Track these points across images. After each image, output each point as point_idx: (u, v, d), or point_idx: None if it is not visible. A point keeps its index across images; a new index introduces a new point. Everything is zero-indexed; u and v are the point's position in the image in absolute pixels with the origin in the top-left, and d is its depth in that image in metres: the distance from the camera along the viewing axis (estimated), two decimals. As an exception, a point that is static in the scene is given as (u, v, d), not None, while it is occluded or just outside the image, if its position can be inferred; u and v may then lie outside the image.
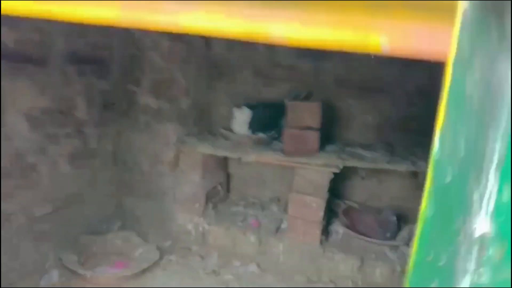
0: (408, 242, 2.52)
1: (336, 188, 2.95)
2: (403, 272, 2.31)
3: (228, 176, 3.20)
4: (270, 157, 2.48)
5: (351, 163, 2.33)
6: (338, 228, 2.65)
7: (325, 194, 2.41)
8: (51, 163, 2.23)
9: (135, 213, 2.83)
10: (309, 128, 2.44)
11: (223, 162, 3.09)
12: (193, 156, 2.69)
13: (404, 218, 2.76)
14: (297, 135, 2.45)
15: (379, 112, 2.87)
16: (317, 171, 2.39)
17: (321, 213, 2.41)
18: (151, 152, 2.72)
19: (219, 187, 3.02)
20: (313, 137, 2.44)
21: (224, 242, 2.67)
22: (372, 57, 2.78)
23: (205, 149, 2.64)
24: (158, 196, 2.77)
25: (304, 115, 2.43)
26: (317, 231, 2.45)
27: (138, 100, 2.69)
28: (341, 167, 2.33)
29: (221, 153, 2.60)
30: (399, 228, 2.62)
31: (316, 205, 2.41)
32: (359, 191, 2.96)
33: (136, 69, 2.66)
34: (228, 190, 3.21)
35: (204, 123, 3.00)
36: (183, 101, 2.69)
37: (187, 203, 2.75)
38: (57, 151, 2.26)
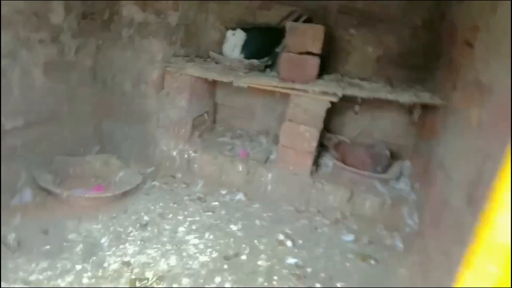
0: (399, 177, 2.48)
1: (328, 122, 2.85)
2: (392, 205, 2.28)
3: (215, 106, 3.04)
4: (265, 82, 2.32)
5: (350, 91, 2.20)
6: (329, 161, 2.58)
7: (320, 124, 2.30)
8: (23, 71, 2.00)
9: (115, 137, 2.65)
10: (309, 53, 2.27)
11: (211, 90, 2.91)
12: (180, 78, 2.50)
13: (395, 155, 2.71)
14: (296, 59, 2.28)
15: (381, 44, 2.72)
16: (314, 99, 2.26)
17: (314, 143, 2.32)
18: (134, 70, 2.50)
19: (206, 116, 2.86)
20: (313, 63, 2.28)
21: (211, 171, 2.56)
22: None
23: (193, 71, 2.44)
24: (140, 120, 2.59)
25: (305, 39, 2.25)
26: (308, 162, 2.37)
27: (121, 11, 2.42)
28: (340, 95, 2.21)
29: (211, 76, 2.42)
30: (390, 164, 2.57)
31: (310, 135, 2.30)
32: (351, 127, 2.88)
33: (120, -25, 2.37)
34: (214, 120, 3.07)
35: (193, 44, 2.78)
36: (171, 16, 2.45)
37: (172, 128, 2.59)
38: (30, 58, 2.02)
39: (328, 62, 2.71)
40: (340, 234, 2.16)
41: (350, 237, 2.13)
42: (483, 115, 1.49)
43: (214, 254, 1.88)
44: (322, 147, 2.71)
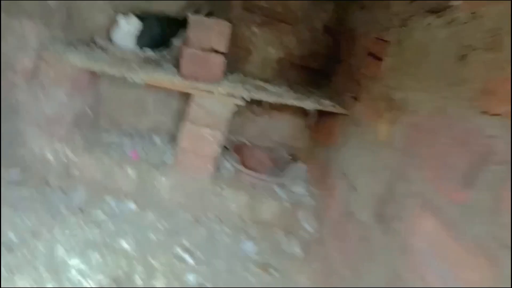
0: (295, 180, 2.49)
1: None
2: (291, 210, 2.27)
3: (99, 99, 2.66)
4: (165, 79, 2.08)
5: (258, 95, 2.10)
6: (228, 164, 2.46)
7: (224, 127, 2.16)
8: None
9: (-32, 133, 2.13)
10: (214, 50, 2.10)
11: (95, 80, 2.53)
12: (59, 68, 2.10)
13: (292, 157, 2.72)
14: (199, 56, 2.09)
15: (282, 46, 2.69)
16: (218, 100, 2.11)
17: (217, 148, 2.17)
18: (1, 56, 2.02)
19: (88, 111, 2.48)
20: (218, 62, 2.12)
21: (94, 176, 2.22)
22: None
23: (77, 60, 2.07)
24: (7, 114, 2.12)
25: (210, 35, 2.07)
26: (209, 166, 2.21)
27: (-21, -23, 1.92)
28: (247, 99, 2.09)
29: (99, 67, 2.08)
30: (288, 167, 2.57)
31: (213, 139, 2.15)
32: (250, 128, 2.80)
33: None
34: (98, 116, 2.69)
35: (75, 28, 2.36)
36: (49, -8, 2.03)
37: (47, 125, 2.17)
38: None
39: (228, 61, 2.58)
40: (240, 243, 2.07)
41: (250, 246, 2.06)
42: (395, 133, 1.52)
43: (102, 278, 1.62)
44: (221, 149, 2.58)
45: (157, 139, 2.58)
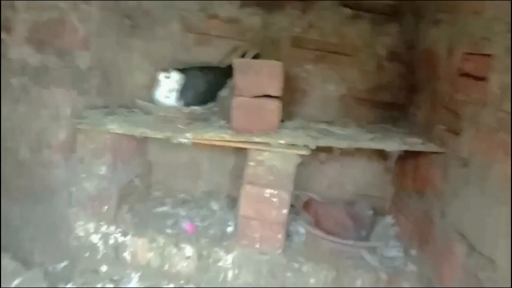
0: (386, 241, 2.01)
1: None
2: (389, 282, 1.78)
3: (149, 166, 2.41)
4: (215, 135, 1.76)
5: (326, 142, 1.72)
6: (300, 227, 2.05)
7: (290, 185, 1.78)
8: None
9: (10, 223, 1.91)
10: (266, 96, 1.78)
11: (142, 147, 2.28)
12: (97, 138, 1.86)
13: (375, 211, 2.26)
14: (251, 105, 1.77)
15: (343, 81, 2.32)
16: (279, 154, 1.75)
17: (285, 211, 1.78)
18: (32, 131, 1.82)
19: (137, 181, 2.22)
20: (273, 108, 1.78)
21: (148, 258, 1.89)
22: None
23: (116, 127, 1.83)
24: (45, 197, 1.88)
25: (261, 79, 1.76)
26: (278, 235, 1.81)
27: (8, 52, 1.76)
28: (313, 147, 1.71)
29: (140, 132, 1.82)
30: (372, 224, 2.11)
31: (279, 201, 1.76)
32: (317, 180, 2.39)
33: (3, 5, 1.74)
34: (149, 185, 2.42)
35: (114, 92, 2.16)
36: (80, 56, 1.84)
37: (90, 205, 1.91)
38: None
39: (283, 106, 2.24)
40: (332, 334, 1.61)
41: (346, 338, 1.58)
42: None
43: None
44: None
45: (215, 205, 2.24)
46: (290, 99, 2.28)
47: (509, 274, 1.12)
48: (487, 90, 1.35)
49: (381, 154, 2.30)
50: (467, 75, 1.53)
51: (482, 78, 1.40)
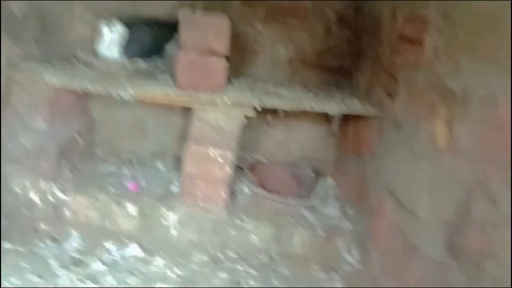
0: (325, 201, 2.10)
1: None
2: (325, 238, 1.88)
3: (91, 124, 2.33)
4: (158, 92, 1.73)
5: (271, 102, 1.73)
6: (245, 187, 2.09)
7: (235, 145, 1.79)
8: None
9: None
10: (214, 53, 1.75)
11: (84, 102, 2.19)
12: (34, 90, 1.77)
13: (316, 172, 2.34)
14: (197, 62, 1.74)
15: (292, 44, 2.32)
16: (225, 113, 1.75)
17: (229, 170, 1.80)
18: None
19: (79, 138, 2.14)
20: (220, 67, 1.76)
21: (90, 217, 1.87)
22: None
23: (54, 79, 1.73)
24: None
25: (207, 34, 1.72)
26: (222, 194, 1.84)
27: None
28: (258, 107, 1.73)
29: (81, 85, 1.74)
30: (314, 185, 2.19)
31: (224, 160, 1.78)
32: (264, 142, 2.43)
33: None
34: (92, 143, 2.35)
35: (53, 43, 2.03)
36: (14, 3, 1.70)
37: (27, 161, 1.83)
38: None
39: (233, 62, 2.21)
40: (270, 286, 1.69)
41: (283, 290, 1.67)
42: (460, 135, 1.14)
43: None
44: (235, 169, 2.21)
45: (160, 165, 2.22)
46: (239, 59, 2.26)
47: (430, 226, 1.21)
48: (422, 54, 1.41)
49: (326, 118, 2.37)
50: (406, 39, 1.58)
51: (418, 42, 1.45)
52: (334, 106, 1.81)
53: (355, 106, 1.82)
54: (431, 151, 1.27)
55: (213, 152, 1.77)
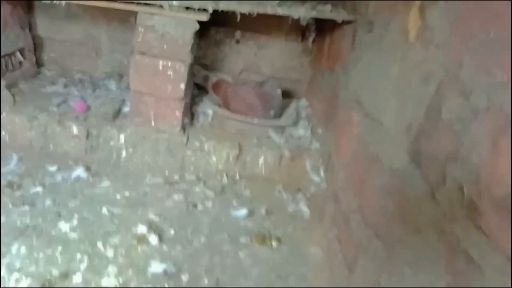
0: (296, 121, 1.94)
1: (203, 55, 2.15)
2: (292, 159, 1.74)
3: (37, 41, 2.09)
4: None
5: (226, 5, 1.49)
6: (208, 109, 1.91)
7: (188, 56, 1.58)
8: None
9: None
10: None
11: (24, 16, 1.94)
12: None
13: (289, 93, 2.16)
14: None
15: None
16: (174, 18, 1.51)
17: (182, 85, 1.60)
18: None
19: (19, 56, 1.91)
20: (165, -39, 1.49)
21: (29, 138, 1.70)
22: None
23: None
24: None
25: None
26: (176, 113, 1.66)
27: None
28: (210, 10, 1.49)
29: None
30: (283, 105, 2.01)
31: (175, 74, 1.58)
32: (233, 61, 2.21)
33: None
34: (39, 63, 2.13)
35: None
36: None
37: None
38: None
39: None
40: (229, 209, 1.57)
41: (242, 211, 1.55)
42: (433, 21, 0.94)
43: (27, 281, 1.14)
44: (197, 90, 2.02)
45: (113, 86, 2.01)
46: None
47: (394, 133, 1.05)
48: None
49: (301, 34, 2.15)
50: None
51: None
52: (302, 11, 1.57)
53: (324, 10, 1.58)
54: (402, 48, 1.08)
55: (162, 64, 1.55)
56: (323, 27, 1.94)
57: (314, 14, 1.56)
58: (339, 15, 1.55)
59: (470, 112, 0.79)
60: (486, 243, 0.67)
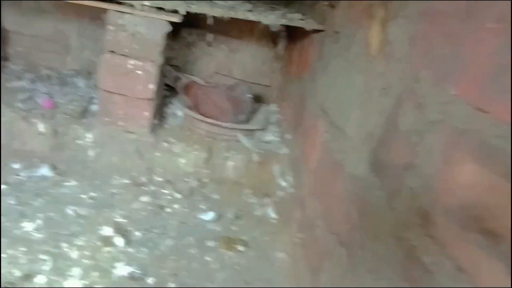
0: (265, 127, 1.97)
1: (174, 57, 2.15)
2: (261, 163, 1.77)
3: (5, 35, 2.03)
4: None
5: (198, 8, 1.51)
6: (178, 110, 1.91)
7: (158, 57, 1.58)
8: None
9: None
10: None
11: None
12: None
13: (259, 98, 2.19)
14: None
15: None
16: (145, 18, 1.51)
17: (152, 86, 1.60)
18: None
19: (-16, 49, 1.85)
20: (139, -38, 1.49)
21: (-7, 135, 1.65)
22: None
23: None
24: None
25: None
26: (145, 113, 1.66)
27: None
28: (183, 13, 1.50)
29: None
30: (254, 110, 2.03)
31: (145, 74, 1.57)
32: (204, 63, 2.22)
33: None
34: (6, 57, 2.06)
35: None
36: None
37: None
38: None
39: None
40: (197, 212, 1.58)
41: (210, 215, 1.56)
42: (394, 34, 0.99)
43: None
44: (168, 91, 2.02)
45: (82, 83, 1.98)
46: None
47: (356, 142, 1.10)
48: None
49: (273, 40, 2.18)
50: None
51: None
52: (272, 18, 1.61)
53: (294, 18, 1.62)
54: (365, 60, 1.12)
55: (132, 64, 1.55)
56: (294, 35, 1.98)
57: (283, 21, 1.60)
58: (308, 24, 1.59)
59: (425, 124, 0.83)
60: (438, 251, 0.71)
